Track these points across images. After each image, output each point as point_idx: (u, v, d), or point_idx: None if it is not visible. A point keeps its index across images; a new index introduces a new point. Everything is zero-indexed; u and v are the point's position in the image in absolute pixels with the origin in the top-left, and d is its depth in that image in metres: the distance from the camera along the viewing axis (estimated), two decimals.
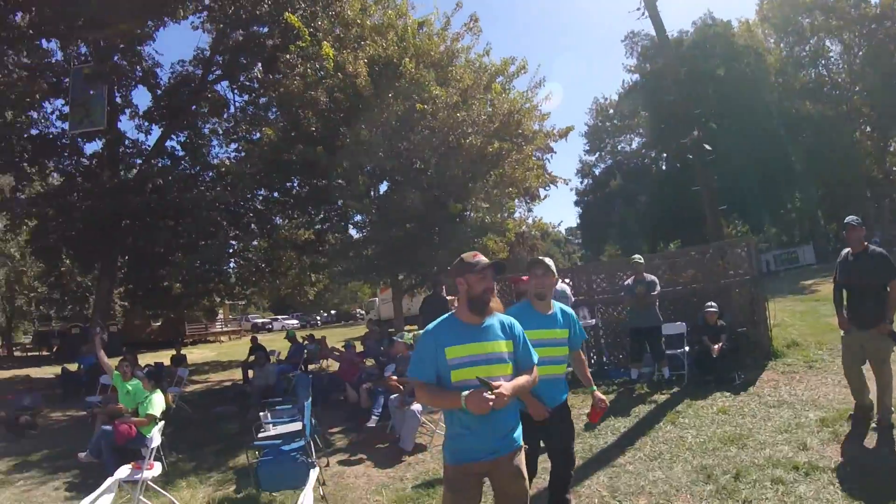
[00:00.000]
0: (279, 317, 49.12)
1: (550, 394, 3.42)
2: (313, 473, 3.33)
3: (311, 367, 12.48)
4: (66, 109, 16.47)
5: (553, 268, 3.55)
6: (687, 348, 7.95)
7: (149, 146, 17.42)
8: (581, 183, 50.16)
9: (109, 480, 3.61)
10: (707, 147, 12.92)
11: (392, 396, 6.82)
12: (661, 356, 7.93)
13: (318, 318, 52.40)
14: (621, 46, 42.79)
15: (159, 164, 16.87)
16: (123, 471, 5.11)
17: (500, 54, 23.82)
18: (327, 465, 6.02)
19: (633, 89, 42.52)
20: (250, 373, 11.80)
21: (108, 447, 6.34)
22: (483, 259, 2.82)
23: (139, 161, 17.23)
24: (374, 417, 7.00)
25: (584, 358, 3.92)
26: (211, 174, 17.39)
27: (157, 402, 6.44)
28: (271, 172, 10.81)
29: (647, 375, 8.09)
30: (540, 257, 3.67)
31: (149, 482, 5.08)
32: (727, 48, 34.82)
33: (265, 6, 15.04)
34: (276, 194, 13.38)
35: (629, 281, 8.19)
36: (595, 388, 3.73)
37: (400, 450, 6.16)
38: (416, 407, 6.26)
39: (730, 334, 7.85)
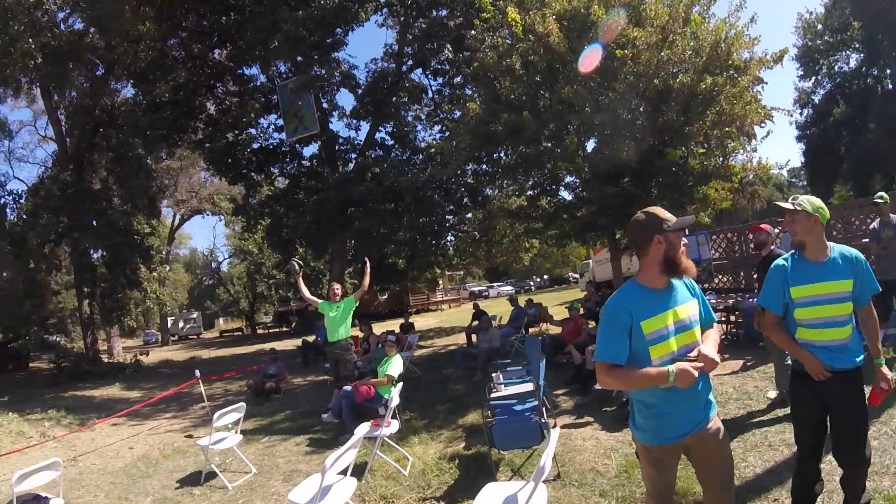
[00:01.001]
0: (494, 284, 50.94)
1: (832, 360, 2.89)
2: (555, 433, 3.33)
3: (531, 330, 12.66)
4: (280, 122, 18.70)
5: (801, 203, 2.91)
6: None
7: (360, 141, 19.00)
8: (801, 115, 41.46)
9: (355, 437, 3.98)
10: None
11: None
12: None
13: (532, 283, 53.19)
14: None
15: (373, 156, 18.27)
16: (364, 427, 5.68)
17: None
18: (555, 426, 6.07)
19: None
20: (474, 337, 12.40)
21: (347, 406, 7.06)
22: (671, 215, 2.53)
23: (353, 155, 18.82)
24: None
25: (875, 317, 3.03)
26: (421, 157, 18.44)
27: (396, 365, 7.03)
28: (479, 145, 11.01)
29: (892, 338, 6.67)
30: (779, 202, 3.08)
31: (385, 438, 5.59)
32: None
33: None
34: (484, 166, 13.70)
35: (875, 224, 6.95)
36: (882, 360, 2.99)
37: (628, 413, 5.97)
38: None
39: None
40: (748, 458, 4.38)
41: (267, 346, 24.24)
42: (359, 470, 5.26)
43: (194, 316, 46.67)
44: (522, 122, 9.25)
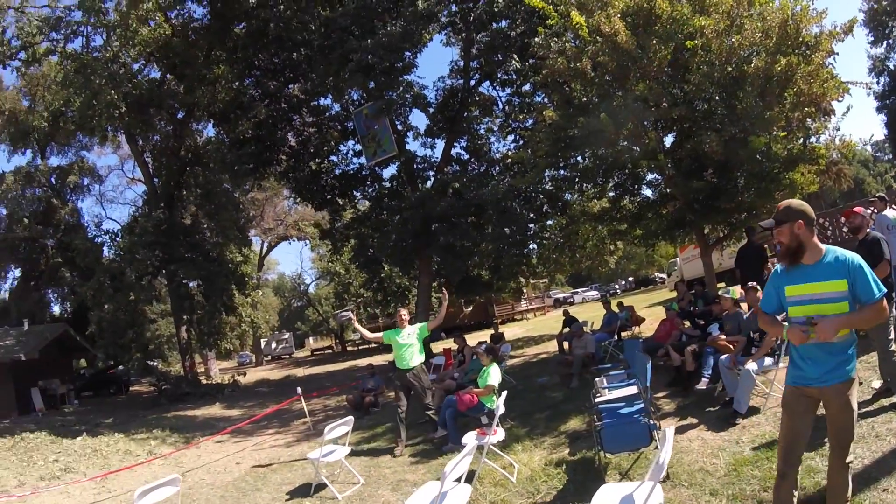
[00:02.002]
0: (578, 290, 50.08)
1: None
2: (669, 432, 3.36)
3: (623, 334, 12.43)
4: (358, 147, 19.35)
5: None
6: None
7: (437, 158, 19.28)
8: (878, 84, 37.16)
9: (469, 444, 4.08)
10: None
11: (722, 357, 6.45)
12: None
13: (617, 286, 51.94)
14: None
15: (451, 171, 18.53)
16: (472, 436, 5.81)
17: None
18: (659, 428, 6.00)
19: None
20: (565, 344, 12.32)
21: (450, 416, 7.15)
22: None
23: (432, 173, 19.17)
24: (704, 379, 6.71)
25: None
26: (498, 168, 18.55)
27: (495, 374, 7.10)
28: (557, 151, 11.00)
29: None
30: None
31: (490, 446, 5.64)
32: None
33: (500, 1, 15.51)
34: (562, 171, 13.63)
35: None
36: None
37: (733, 412, 5.81)
38: (751, 366, 5.84)
39: None
40: (856, 449, 4.19)
41: (358, 362, 24.99)
42: (467, 478, 5.38)
43: (286, 336, 48.58)
44: (600, 125, 9.18)
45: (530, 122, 17.50)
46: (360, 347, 40.16)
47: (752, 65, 8.69)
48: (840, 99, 9.58)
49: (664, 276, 43.47)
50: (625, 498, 3.44)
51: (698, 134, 9.16)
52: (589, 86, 10.00)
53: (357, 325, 8.54)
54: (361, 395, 11.67)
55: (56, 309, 31.48)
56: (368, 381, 12.16)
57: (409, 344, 7.72)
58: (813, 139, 9.97)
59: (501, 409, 5.81)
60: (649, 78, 9.20)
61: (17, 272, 29.35)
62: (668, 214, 11.46)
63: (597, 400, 5.68)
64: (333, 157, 20.12)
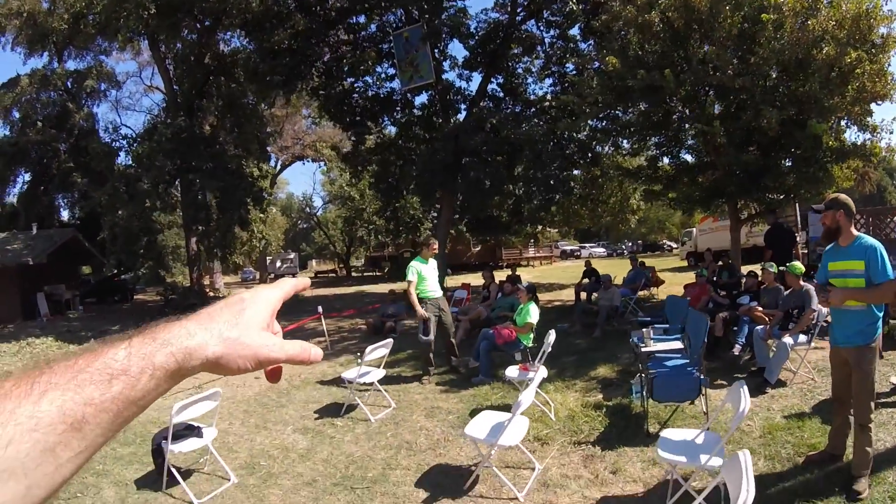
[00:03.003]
0: (586, 244, 50.13)
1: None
2: (744, 388, 3.49)
3: (640, 293, 12.53)
4: (391, 71, 18.84)
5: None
6: None
7: (470, 92, 18.85)
8: None
9: (539, 375, 4.07)
10: None
11: (758, 328, 6.59)
12: None
13: (625, 247, 51.97)
14: None
15: (485, 107, 18.14)
16: (513, 370, 5.94)
17: None
18: (709, 384, 6.11)
19: None
20: (582, 294, 12.53)
21: (485, 349, 7.21)
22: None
23: (463, 106, 18.77)
24: (737, 346, 6.92)
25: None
26: (533, 110, 18.16)
27: (534, 312, 7.08)
28: (611, 101, 10.78)
29: None
30: None
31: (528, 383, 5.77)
32: None
33: None
34: (603, 123, 13.36)
35: None
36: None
37: (763, 380, 5.97)
38: (788, 340, 5.97)
39: None
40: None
41: (364, 288, 25.26)
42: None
43: (291, 256, 48.86)
44: (661, 80, 9.00)
45: (571, 67, 17.11)
46: (365, 274, 40.53)
47: (823, 51, 8.54)
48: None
49: (672, 244, 43.52)
50: (688, 442, 3.64)
51: (757, 108, 9.02)
52: (652, 40, 9.74)
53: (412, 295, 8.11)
54: (381, 319, 11.80)
55: (65, 215, 31.46)
56: (389, 306, 12.33)
57: (436, 275, 7.68)
58: (868, 136, 9.84)
59: (550, 347, 5.83)
60: (715, 43, 9.00)
61: (28, 176, 28.92)
62: (704, 182, 11.40)
63: (644, 349, 5.76)
64: (368, 78, 19.57)
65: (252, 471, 5.01)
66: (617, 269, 14.09)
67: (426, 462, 4.88)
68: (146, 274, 25.66)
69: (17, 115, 27.00)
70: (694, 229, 25.84)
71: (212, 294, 24.34)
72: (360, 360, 7.29)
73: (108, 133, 27.44)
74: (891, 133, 9.61)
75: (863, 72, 8.58)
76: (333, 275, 41.08)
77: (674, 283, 14.48)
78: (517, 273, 15.73)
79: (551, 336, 5.87)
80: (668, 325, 7.00)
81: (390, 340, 6.59)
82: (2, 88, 26.51)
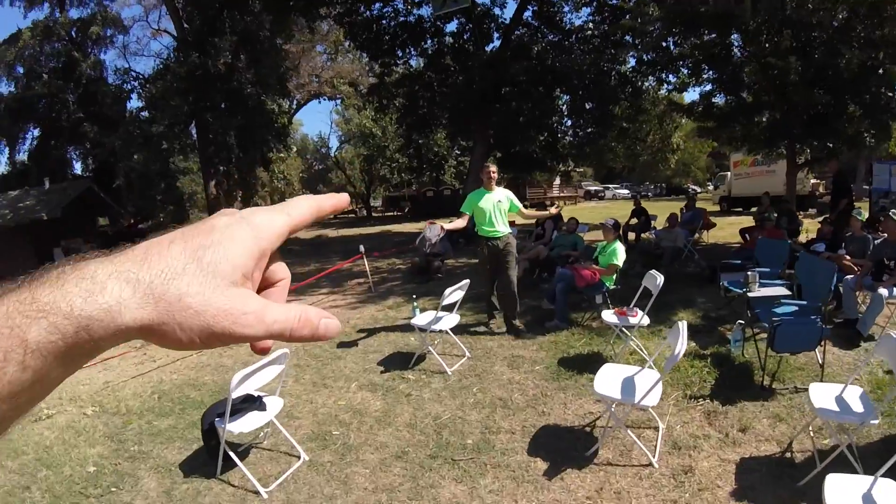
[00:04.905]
0: (610, 185, 49.14)
1: None
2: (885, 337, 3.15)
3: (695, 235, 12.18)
4: None
5: None
6: None
7: (504, 20, 17.92)
8: None
9: (681, 330, 3.53)
10: None
11: (848, 277, 6.26)
12: None
13: (648, 190, 50.84)
14: None
15: (524, 34, 17.20)
16: (610, 315, 5.63)
17: None
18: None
19: None
20: (630, 234, 12.19)
21: (563, 290, 6.56)
22: None
23: (497, 34, 17.87)
24: None
25: None
26: (574, 38, 17.22)
27: (621, 253, 6.53)
28: (675, 27, 10.10)
29: None
30: None
31: (623, 329, 5.45)
32: None
33: None
34: (650, 54, 12.61)
35: None
36: None
37: (857, 332, 5.67)
38: (884, 291, 5.65)
39: None
40: None
41: (389, 227, 24.93)
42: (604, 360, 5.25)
43: None
44: (735, 8, 8.38)
45: None
46: (386, 215, 40.15)
47: None
48: None
49: (696, 188, 42.67)
50: (837, 397, 3.39)
51: (833, 47, 8.44)
52: None
53: (448, 227, 6.72)
54: (429, 258, 11.12)
55: (78, 167, 30.78)
56: (436, 244, 11.72)
57: (499, 210, 6.41)
58: None
59: (658, 289, 5.33)
60: None
61: (37, 132, 28.19)
62: (760, 122, 10.88)
63: (751, 294, 5.46)
64: (397, 3, 18.56)
65: (324, 443, 4.23)
66: (654, 210, 13.59)
67: (530, 423, 4.33)
68: (165, 220, 25.42)
69: (21, 70, 26.22)
70: (728, 173, 24.93)
71: None
72: (416, 304, 6.98)
73: (118, 75, 26.65)
74: None
75: None
76: (353, 215, 40.72)
77: (722, 226, 13.92)
78: (559, 211, 15.35)
79: (658, 278, 5.32)
80: (767, 270, 6.66)
81: (467, 281, 5.86)
82: (3, 44, 25.60)
